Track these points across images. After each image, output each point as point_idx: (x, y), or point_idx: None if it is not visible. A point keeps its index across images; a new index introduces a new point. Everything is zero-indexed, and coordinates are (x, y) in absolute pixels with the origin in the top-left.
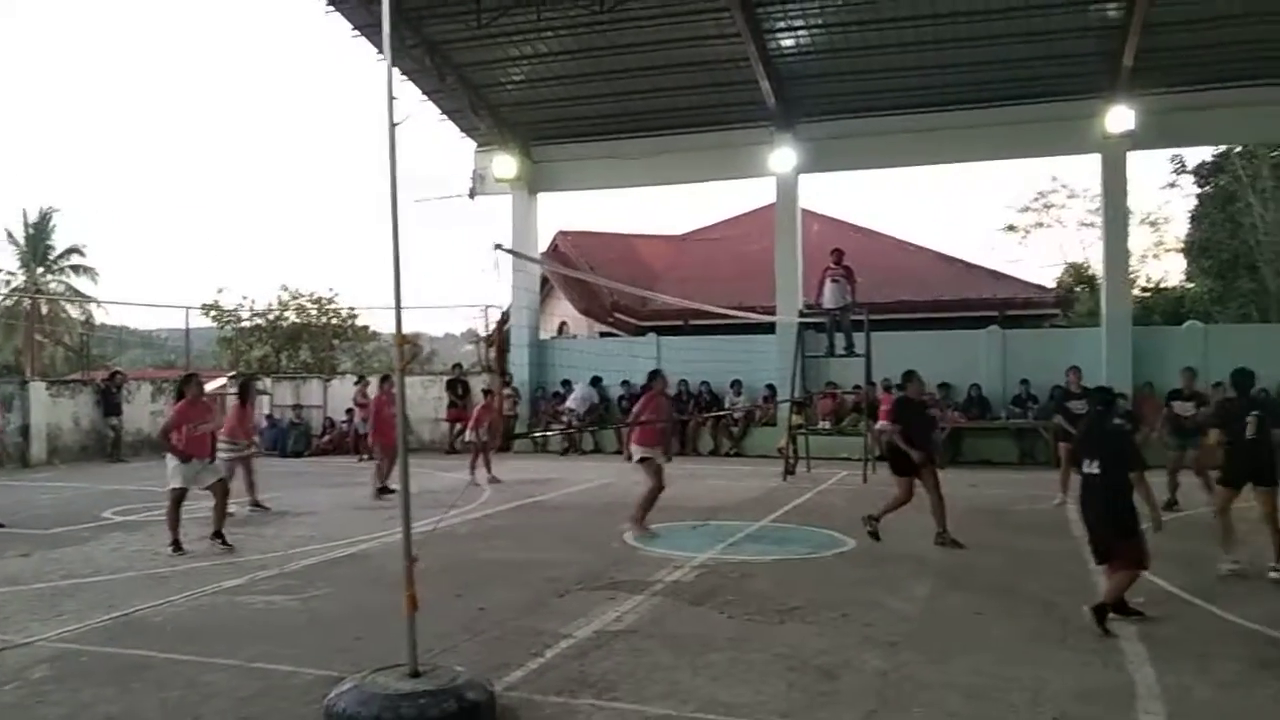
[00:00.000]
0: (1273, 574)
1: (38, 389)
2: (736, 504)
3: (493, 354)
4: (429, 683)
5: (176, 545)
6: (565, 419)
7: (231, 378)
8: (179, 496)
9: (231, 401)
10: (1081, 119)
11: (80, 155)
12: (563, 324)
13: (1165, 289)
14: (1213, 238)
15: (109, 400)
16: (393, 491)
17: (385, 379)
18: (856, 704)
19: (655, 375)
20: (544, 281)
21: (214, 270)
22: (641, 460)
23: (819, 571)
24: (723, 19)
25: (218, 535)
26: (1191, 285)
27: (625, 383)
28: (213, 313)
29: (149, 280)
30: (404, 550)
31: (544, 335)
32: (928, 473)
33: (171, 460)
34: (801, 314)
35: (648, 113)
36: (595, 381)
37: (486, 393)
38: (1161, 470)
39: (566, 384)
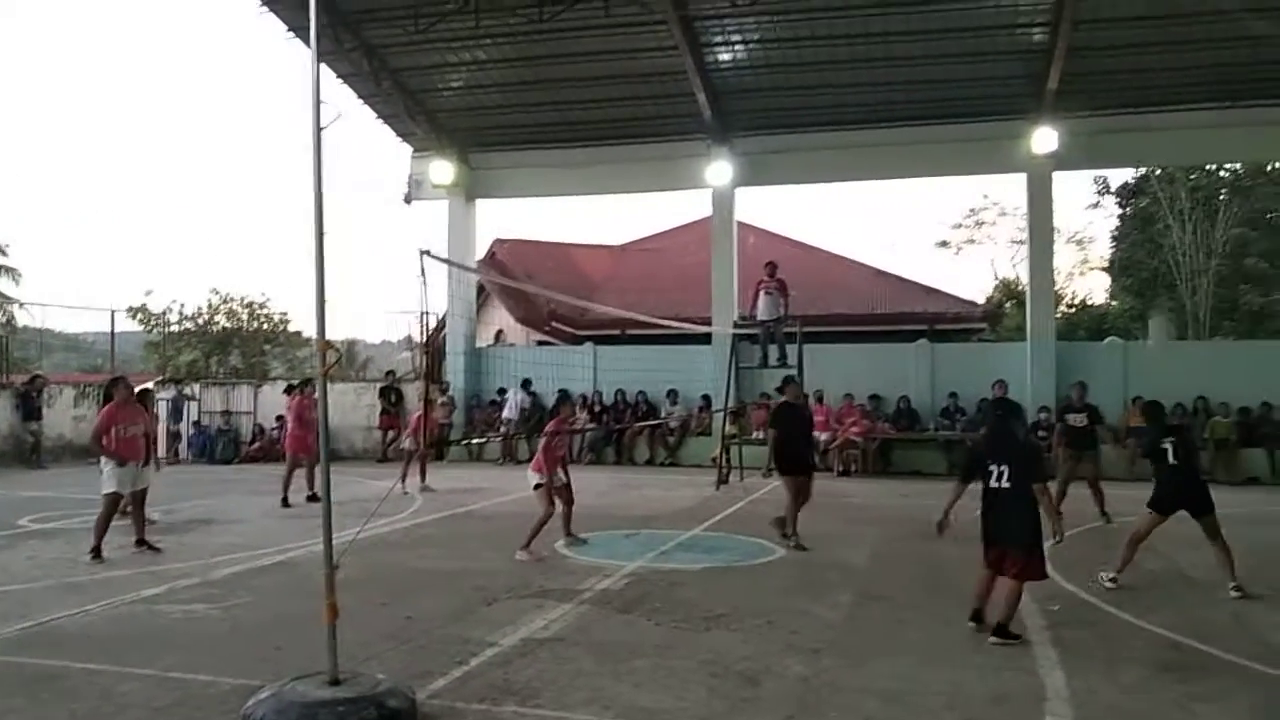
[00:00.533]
0: (1234, 593)
1: None
2: (670, 513)
3: (425, 361)
4: (348, 690)
5: (97, 553)
6: (502, 429)
7: (159, 383)
8: (115, 501)
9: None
10: (1008, 139)
11: (3, 151)
12: (499, 332)
13: (1089, 306)
14: (1133, 257)
15: (29, 405)
16: (319, 499)
17: (307, 383)
18: (776, 709)
19: (563, 400)
20: (481, 289)
21: (142, 273)
22: (536, 486)
23: (747, 580)
24: (660, 32)
25: (142, 542)
26: (1114, 303)
27: (563, 391)
28: (140, 316)
29: (74, 282)
30: (325, 557)
31: (480, 343)
32: (807, 479)
33: (107, 464)
34: (736, 325)
35: (586, 122)
36: (526, 384)
37: (428, 401)
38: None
39: (503, 392)
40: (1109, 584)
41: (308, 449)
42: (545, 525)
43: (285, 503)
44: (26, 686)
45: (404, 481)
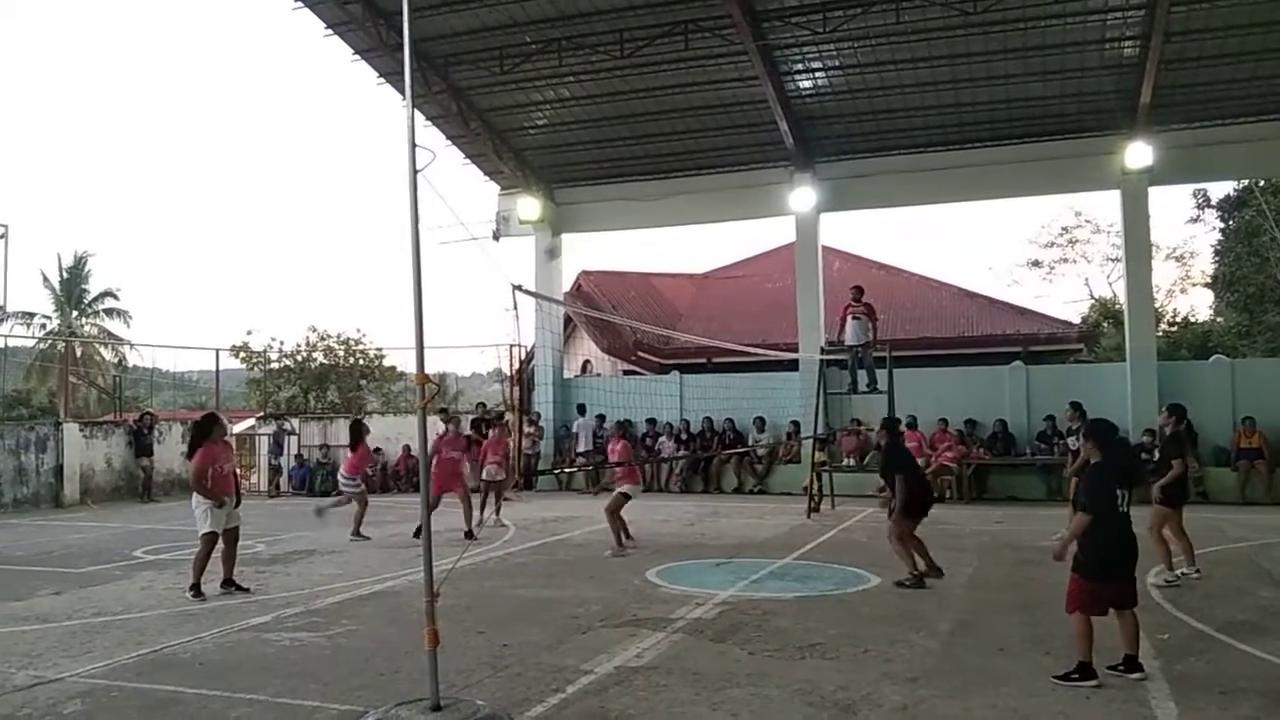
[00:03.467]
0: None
1: (71, 430)
2: (760, 541)
3: (516, 392)
4: (450, 716)
5: (197, 590)
6: (578, 460)
7: (260, 418)
8: (214, 541)
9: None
10: (1100, 155)
11: (116, 199)
12: (586, 362)
13: (1193, 323)
14: (1238, 272)
15: (140, 441)
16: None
17: (452, 419)
18: None
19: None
20: (568, 321)
21: (244, 312)
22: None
23: (841, 608)
24: (741, 62)
25: (229, 582)
26: (1220, 319)
27: (651, 420)
28: (242, 354)
29: (181, 322)
30: (425, 586)
31: (568, 374)
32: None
33: (203, 504)
34: (824, 351)
35: (669, 154)
36: (581, 410)
37: (496, 427)
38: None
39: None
40: (1169, 578)
41: (458, 482)
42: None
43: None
44: (144, 712)
45: (483, 511)
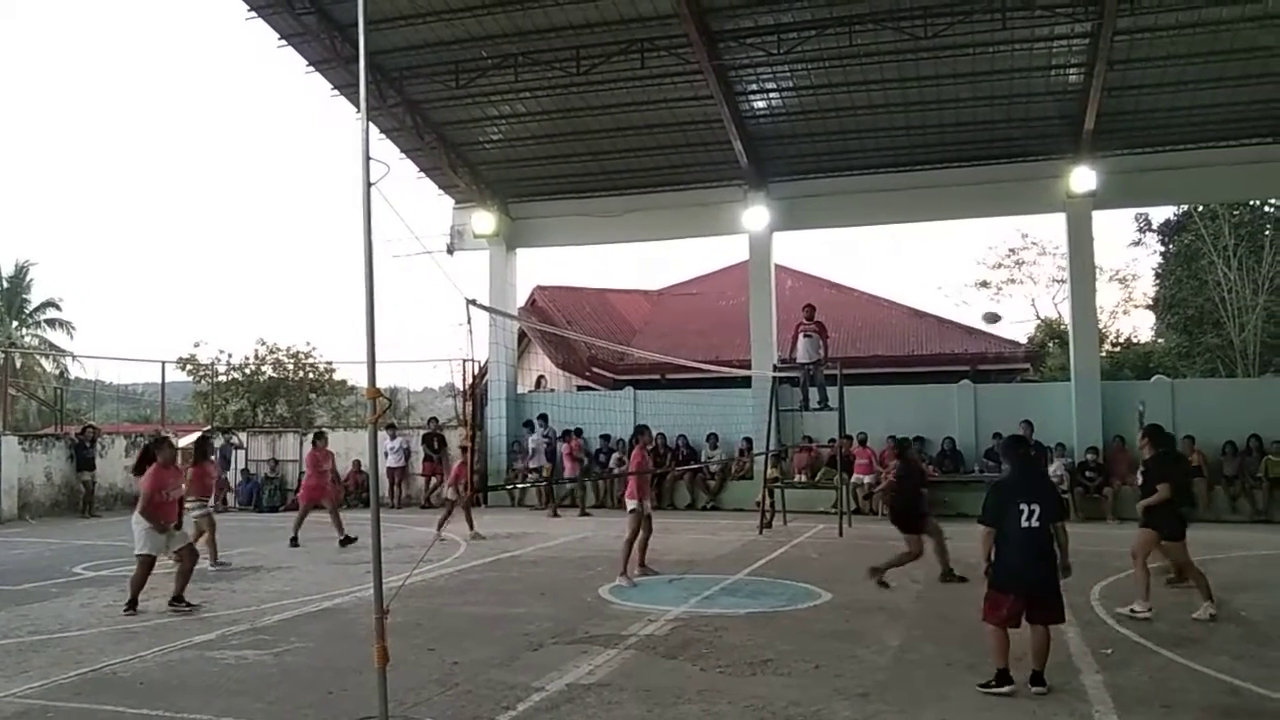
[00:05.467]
0: (1209, 614)
1: (10, 443)
2: (713, 557)
3: (468, 408)
4: None
5: (133, 605)
6: (530, 476)
7: (206, 432)
8: (150, 564)
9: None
10: (1046, 179)
11: (59, 207)
12: (540, 378)
13: (1135, 344)
14: (1178, 294)
15: (82, 455)
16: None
17: (320, 436)
18: None
19: (642, 430)
20: (522, 336)
21: (191, 324)
22: (631, 511)
23: (793, 624)
24: (696, 81)
25: (178, 599)
26: (1160, 340)
27: (605, 436)
28: (189, 367)
29: (126, 334)
30: (375, 603)
31: (521, 389)
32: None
33: (142, 525)
34: (776, 368)
35: (623, 171)
36: (539, 422)
37: (464, 449)
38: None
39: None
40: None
41: (325, 494)
42: (632, 548)
43: (294, 542)
44: None
45: (440, 529)
